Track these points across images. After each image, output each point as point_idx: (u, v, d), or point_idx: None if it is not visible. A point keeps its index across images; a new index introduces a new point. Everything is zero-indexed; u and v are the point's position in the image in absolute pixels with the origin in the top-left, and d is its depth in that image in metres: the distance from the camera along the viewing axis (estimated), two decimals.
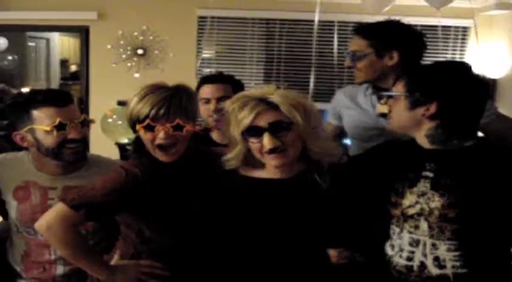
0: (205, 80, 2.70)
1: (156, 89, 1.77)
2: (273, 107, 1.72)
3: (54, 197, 2.09)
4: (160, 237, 1.94)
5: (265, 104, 1.72)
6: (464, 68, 1.86)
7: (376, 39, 2.36)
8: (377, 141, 2.34)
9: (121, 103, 5.15)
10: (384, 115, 2.01)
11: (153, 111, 1.72)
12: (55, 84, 9.12)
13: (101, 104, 5.26)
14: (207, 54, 5.80)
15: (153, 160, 1.82)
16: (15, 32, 7.87)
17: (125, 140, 5.16)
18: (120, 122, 4.89)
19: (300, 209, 1.77)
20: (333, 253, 1.97)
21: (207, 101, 2.57)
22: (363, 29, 2.43)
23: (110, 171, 1.87)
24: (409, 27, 2.42)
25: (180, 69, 5.55)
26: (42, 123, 1.99)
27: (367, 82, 2.47)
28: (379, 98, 2.32)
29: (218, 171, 1.87)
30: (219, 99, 2.48)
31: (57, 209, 1.76)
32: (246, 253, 1.79)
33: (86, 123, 2.10)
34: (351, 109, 2.57)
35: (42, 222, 1.77)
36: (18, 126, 2.03)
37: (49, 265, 2.13)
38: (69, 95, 2.10)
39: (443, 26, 5.38)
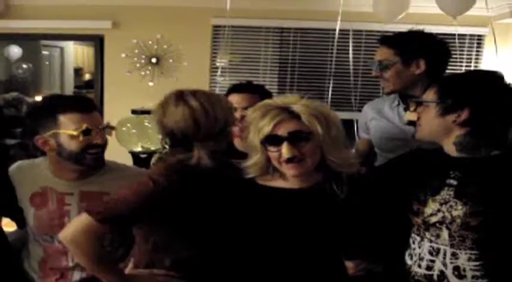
0: (233, 89, 2.71)
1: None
2: (294, 116, 1.73)
3: (71, 202, 2.11)
4: (178, 247, 1.94)
5: (286, 113, 1.73)
6: (497, 76, 1.86)
7: (402, 48, 2.38)
8: (401, 152, 2.35)
9: (135, 112, 5.17)
10: (412, 123, 2.01)
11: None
12: (69, 92, 9.16)
13: (115, 112, 5.25)
14: (221, 63, 5.78)
15: (186, 169, 1.84)
16: (30, 41, 7.92)
17: (139, 149, 5.17)
18: (134, 131, 4.89)
19: (317, 219, 1.77)
20: (349, 265, 1.95)
21: (234, 109, 2.55)
22: (388, 39, 2.47)
23: (133, 181, 1.89)
24: (434, 37, 2.44)
25: (194, 78, 5.53)
26: (67, 127, 2.01)
27: (395, 92, 2.48)
28: (408, 105, 2.33)
29: (237, 181, 1.86)
30: (245, 109, 2.46)
31: (83, 221, 1.75)
32: (263, 263, 1.78)
33: (108, 129, 2.12)
34: (377, 120, 2.59)
35: (67, 234, 1.77)
36: (41, 131, 2.04)
37: (66, 272, 2.13)
38: (93, 101, 2.13)
39: (458, 35, 5.36)
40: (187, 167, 1.87)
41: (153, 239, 1.98)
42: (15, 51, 8.09)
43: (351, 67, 5.13)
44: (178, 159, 1.89)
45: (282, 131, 1.73)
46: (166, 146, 3.27)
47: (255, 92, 2.67)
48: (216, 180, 1.87)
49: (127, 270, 1.96)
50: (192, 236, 1.88)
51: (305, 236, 1.76)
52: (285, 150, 1.71)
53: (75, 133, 2.01)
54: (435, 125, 1.86)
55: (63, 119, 2.02)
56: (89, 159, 2.08)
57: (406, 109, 2.44)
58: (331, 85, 5.28)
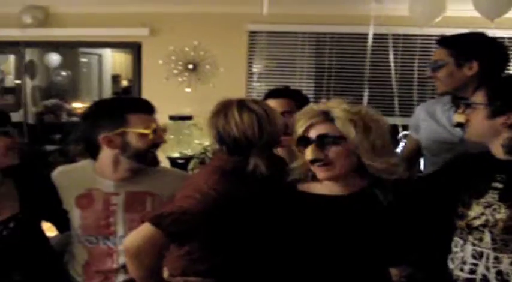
0: (270, 94, 2.73)
1: None
2: (329, 119, 1.72)
3: (117, 202, 2.14)
4: (217, 254, 1.95)
5: (322, 116, 1.73)
6: None
7: (456, 49, 2.38)
8: (448, 155, 2.33)
9: (173, 118, 5.21)
10: (460, 125, 2.01)
11: None
12: None
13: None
14: (257, 68, 5.80)
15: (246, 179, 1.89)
16: (69, 49, 8.06)
17: (176, 154, 5.22)
18: (172, 136, 4.94)
19: (358, 225, 1.75)
20: (394, 272, 1.93)
21: None
22: (445, 39, 2.47)
23: (177, 182, 2.02)
24: (493, 40, 2.43)
25: (231, 84, 5.59)
26: (137, 127, 2.06)
27: (447, 92, 2.48)
28: (457, 106, 2.32)
29: (282, 189, 1.88)
30: (282, 114, 2.46)
31: (149, 234, 1.75)
32: (304, 272, 1.77)
33: (164, 131, 2.19)
34: (428, 121, 2.59)
35: (132, 245, 1.77)
36: (105, 130, 2.07)
37: (110, 274, 2.16)
38: (152, 104, 2.18)
39: (496, 38, 5.26)
40: (244, 174, 1.91)
41: (186, 249, 2.01)
42: (54, 58, 8.23)
43: (393, 71, 5.10)
44: (235, 166, 1.93)
45: (312, 133, 1.75)
46: (206, 152, 3.27)
47: (291, 97, 2.69)
48: (267, 188, 1.90)
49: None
50: (234, 243, 1.89)
51: (347, 244, 1.74)
52: (308, 151, 1.74)
53: (147, 131, 2.07)
54: (484, 127, 1.85)
55: (132, 118, 2.07)
56: (150, 158, 2.15)
57: (456, 108, 2.43)
58: (366, 90, 5.26)
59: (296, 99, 2.67)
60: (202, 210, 1.79)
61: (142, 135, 2.07)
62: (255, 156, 1.93)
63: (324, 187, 1.83)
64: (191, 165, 5.23)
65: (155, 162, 2.20)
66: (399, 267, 1.89)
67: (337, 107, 1.75)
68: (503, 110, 1.79)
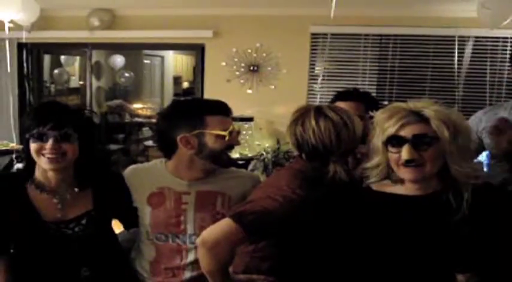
0: (339, 96, 2.73)
1: None
2: (423, 120, 1.70)
3: (188, 201, 2.17)
4: (284, 254, 1.95)
5: (415, 116, 1.70)
6: None
7: None
8: None
9: (234, 119, 5.24)
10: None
11: None
12: (168, 100, 9.43)
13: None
14: (319, 71, 5.78)
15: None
16: (133, 50, 8.24)
17: (237, 155, 5.25)
18: (241, 136, 4.97)
19: (430, 229, 1.71)
20: (461, 278, 1.88)
21: None
22: None
23: (246, 182, 2.09)
24: None
25: (292, 86, 5.60)
26: (215, 128, 2.09)
27: None
28: None
29: (357, 190, 1.87)
30: None
31: (228, 228, 1.78)
32: (373, 273, 1.75)
33: (239, 133, 2.22)
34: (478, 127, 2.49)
35: (209, 239, 1.80)
36: (183, 130, 2.11)
37: (178, 270, 2.18)
38: (229, 107, 2.20)
39: None
40: (324, 180, 1.91)
41: (256, 244, 2.01)
42: (118, 60, 8.44)
43: (456, 73, 5.00)
44: (315, 172, 1.93)
45: (406, 133, 1.70)
46: (266, 153, 3.28)
47: (360, 100, 2.67)
48: (347, 194, 1.89)
49: None
50: (306, 245, 1.89)
51: (416, 246, 1.71)
52: (404, 152, 1.69)
53: (224, 133, 2.09)
54: None
55: (211, 120, 2.10)
56: (224, 159, 2.17)
57: None
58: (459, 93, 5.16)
59: (366, 102, 2.64)
60: (284, 213, 1.80)
61: (219, 137, 2.09)
62: (334, 163, 1.94)
63: (399, 187, 1.80)
64: (251, 166, 5.25)
65: (229, 163, 2.23)
66: (466, 274, 1.83)
67: (429, 107, 1.72)
68: None
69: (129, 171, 2.32)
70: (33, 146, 1.97)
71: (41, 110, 2.07)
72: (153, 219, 2.18)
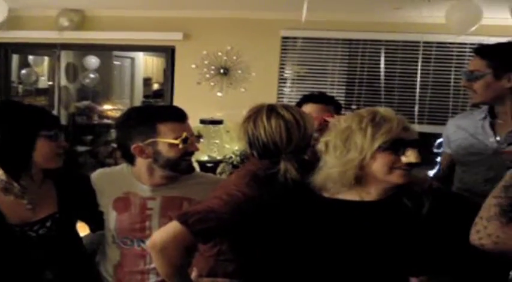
0: (309, 99, 2.72)
1: None
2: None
3: (153, 207, 2.16)
4: (245, 255, 1.96)
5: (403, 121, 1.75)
6: None
7: (495, 60, 2.31)
8: (481, 168, 2.33)
9: (203, 121, 5.24)
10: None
11: None
12: (138, 101, 9.38)
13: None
14: (289, 74, 5.80)
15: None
16: (103, 52, 8.17)
17: (205, 158, 5.24)
18: (202, 140, 4.96)
19: (385, 233, 1.73)
20: (413, 281, 1.91)
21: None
22: (483, 49, 2.40)
23: (212, 187, 1.98)
24: None
25: (262, 89, 5.60)
26: (167, 136, 2.07)
27: (483, 103, 2.42)
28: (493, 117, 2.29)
29: (310, 195, 1.87)
30: (322, 119, 2.48)
31: (175, 230, 1.76)
32: (326, 277, 1.76)
33: (198, 138, 2.18)
34: (458, 134, 2.53)
35: (157, 242, 1.78)
36: (137, 139, 2.09)
37: (142, 275, 2.17)
38: (185, 112, 2.17)
39: None
40: (275, 179, 1.90)
41: (220, 247, 2.02)
42: (93, 61, 8.38)
43: (418, 79, 5.06)
44: (266, 170, 1.93)
45: (409, 137, 1.73)
46: (234, 156, 3.30)
47: (330, 103, 2.68)
48: (297, 193, 1.89)
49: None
50: (260, 245, 1.89)
51: (370, 248, 1.72)
52: (412, 155, 1.70)
53: (176, 142, 2.06)
54: None
55: (162, 128, 2.07)
56: (184, 166, 2.15)
57: (492, 123, 2.40)
58: (396, 97, 5.22)
59: (334, 106, 2.67)
60: (228, 211, 1.79)
61: (173, 145, 2.07)
62: (284, 161, 1.93)
63: (350, 194, 1.81)
64: (220, 169, 5.25)
65: (190, 169, 2.20)
66: (420, 278, 1.85)
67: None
68: None
69: (96, 174, 2.30)
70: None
71: None
72: (119, 224, 2.17)
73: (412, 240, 1.71)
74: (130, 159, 2.18)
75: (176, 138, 2.07)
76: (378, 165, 1.73)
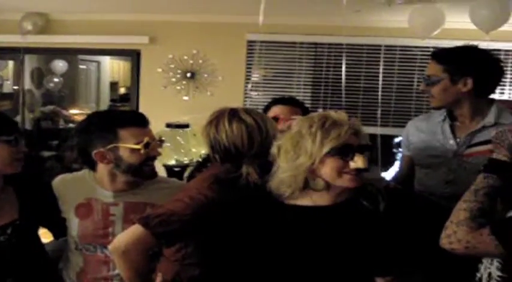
0: (278, 101, 2.76)
1: None
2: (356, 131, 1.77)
3: (116, 213, 2.15)
4: (210, 259, 1.96)
5: (353, 127, 1.76)
6: None
7: (451, 65, 2.36)
8: (442, 169, 2.37)
9: (169, 125, 5.22)
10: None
11: None
12: (104, 105, 9.32)
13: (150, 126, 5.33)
14: (255, 78, 5.82)
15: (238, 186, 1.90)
16: (68, 55, 8.09)
17: (173, 162, 5.22)
18: (168, 144, 4.94)
19: (347, 236, 1.75)
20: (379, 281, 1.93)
21: (276, 120, 2.54)
22: (439, 54, 2.44)
23: (176, 192, 1.96)
24: (487, 54, 2.40)
25: (229, 93, 5.61)
26: (128, 141, 2.06)
27: (441, 107, 2.46)
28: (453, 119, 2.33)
29: (271, 200, 1.88)
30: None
31: (137, 233, 1.77)
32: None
33: (161, 143, 2.18)
34: (418, 136, 2.58)
35: (119, 245, 1.78)
36: (98, 145, 2.07)
37: (105, 281, 2.16)
38: (146, 116, 2.17)
39: (492, 50, 5.29)
40: (237, 182, 1.93)
41: (185, 251, 2.02)
42: (60, 65, 8.29)
43: (380, 82, 5.13)
44: (228, 174, 1.94)
45: (356, 142, 1.75)
46: (201, 160, 3.31)
47: (298, 105, 2.73)
48: (257, 197, 1.90)
49: None
50: (224, 249, 1.90)
51: (332, 254, 1.73)
52: (360, 160, 1.72)
53: (137, 147, 2.06)
54: None
55: (123, 133, 2.07)
56: (147, 171, 2.14)
57: (451, 126, 2.45)
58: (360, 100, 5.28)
59: (301, 108, 2.73)
60: (189, 213, 1.80)
61: (134, 150, 2.07)
62: (246, 164, 1.96)
63: (308, 199, 1.82)
64: (187, 173, 5.23)
65: (152, 175, 2.19)
66: (385, 278, 1.87)
67: (348, 119, 1.78)
68: None
69: (57, 181, 2.28)
70: None
71: None
72: (81, 230, 2.15)
73: (371, 239, 1.73)
74: (91, 165, 2.17)
75: (138, 143, 2.06)
76: (327, 170, 1.75)
